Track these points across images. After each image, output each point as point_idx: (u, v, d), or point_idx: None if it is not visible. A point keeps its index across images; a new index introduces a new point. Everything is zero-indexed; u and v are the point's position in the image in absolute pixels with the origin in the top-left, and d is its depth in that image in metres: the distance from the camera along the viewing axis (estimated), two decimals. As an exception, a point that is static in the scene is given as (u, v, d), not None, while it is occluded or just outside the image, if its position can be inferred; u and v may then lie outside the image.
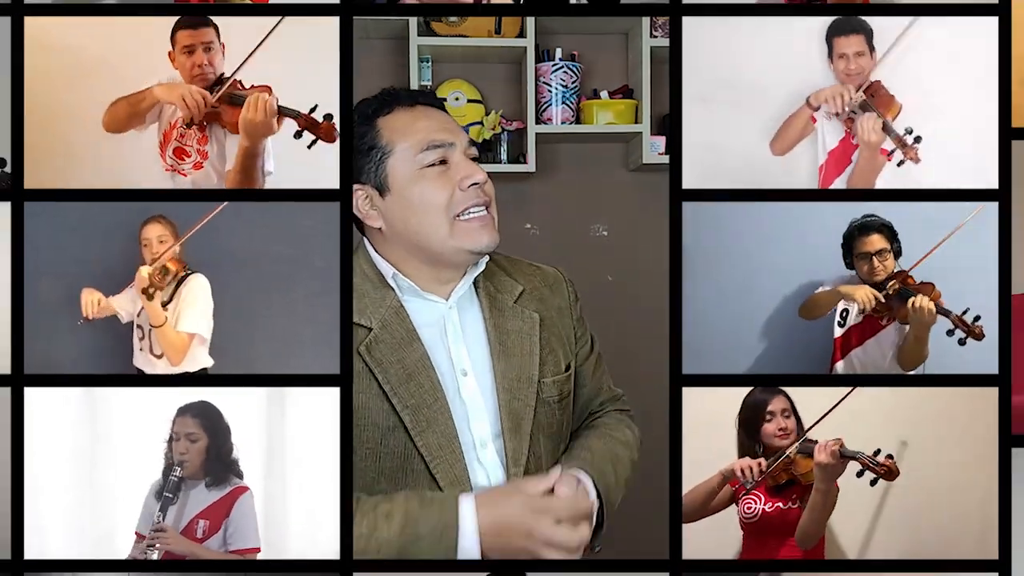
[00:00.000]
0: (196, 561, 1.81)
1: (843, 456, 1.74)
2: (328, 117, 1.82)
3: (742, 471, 1.80)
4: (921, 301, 1.87)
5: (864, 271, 1.94)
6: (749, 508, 1.84)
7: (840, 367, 1.99)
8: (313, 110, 1.83)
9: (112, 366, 1.99)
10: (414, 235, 1.60)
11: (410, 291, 1.63)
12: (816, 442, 1.76)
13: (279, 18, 1.81)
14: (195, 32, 1.88)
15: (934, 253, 1.90)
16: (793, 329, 2.00)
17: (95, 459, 1.86)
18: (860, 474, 1.75)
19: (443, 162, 1.60)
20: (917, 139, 1.90)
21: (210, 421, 1.81)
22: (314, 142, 1.82)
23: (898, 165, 1.91)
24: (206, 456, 1.81)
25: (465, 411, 1.60)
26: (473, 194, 1.58)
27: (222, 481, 1.81)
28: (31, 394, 1.84)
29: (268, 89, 1.85)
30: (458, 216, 1.58)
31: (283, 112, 1.83)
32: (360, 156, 1.63)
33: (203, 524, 1.80)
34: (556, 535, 1.45)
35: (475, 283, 1.68)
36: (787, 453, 1.79)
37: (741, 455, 1.84)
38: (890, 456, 1.75)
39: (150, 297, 1.92)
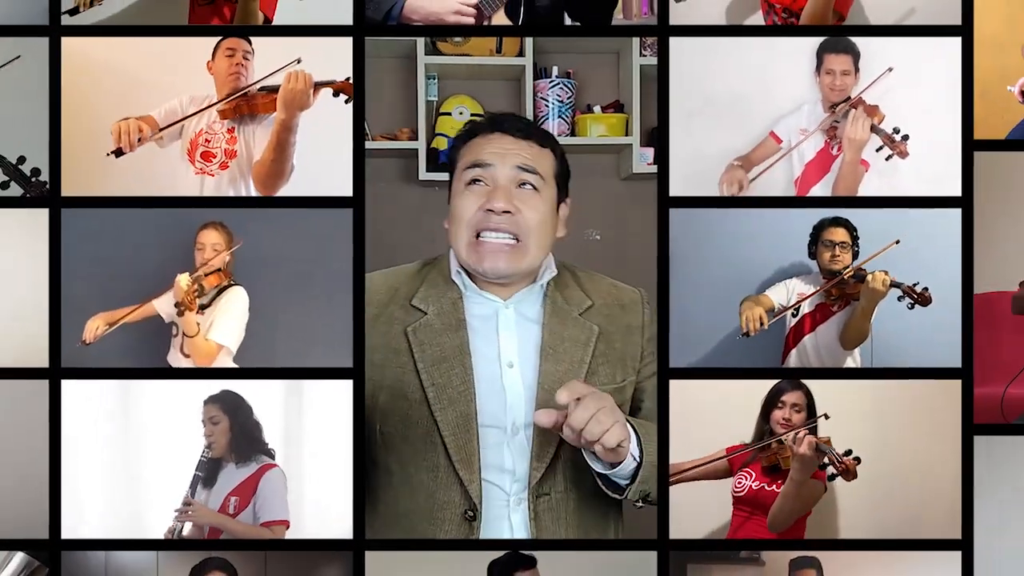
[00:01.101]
0: (218, 540, 1.82)
1: (818, 450, 1.75)
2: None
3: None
4: (877, 274, 1.89)
5: (825, 258, 1.95)
6: (740, 483, 1.85)
7: (793, 355, 2.00)
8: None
9: (151, 360, 1.99)
10: (454, 247, 1.64)
11: (471, 288, 1.65)
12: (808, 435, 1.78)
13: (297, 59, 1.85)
14: (239, 41, 1.92)
15: (903, 257, 1.90)
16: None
17: (127, 446, 1.86)
18: (823, 467, 1.77)
19: (483, 183, 1.61)
20: (905, 137, 1.90)
21: (229, 404, 1.83)
22: (348, 99, 1.86)
23: (886, 159, 1.91)
24: (231, 436, 1.83)
25: (505, 398, 1.61)
26: (495, 218, 1.58)
27: (249, 459, 1.83)
28: (67, 386, 1.84)
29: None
30: (478, 235, 1.59)
31: (317, 85, 1.85)
32: (449, 172, 1.70)
33: (234, 501, 1.82)
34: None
35: (545, 291, 1.68)
36: (781, 439, 1.80)
37: (756, 436, 1.86)
38: (857, 459, 1.75)
39: (180, 313, 1.92)
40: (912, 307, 1.89)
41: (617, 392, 1.67)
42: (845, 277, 1.93)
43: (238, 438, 1.83)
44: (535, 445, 1.59)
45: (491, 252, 1.59)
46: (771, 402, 1.85)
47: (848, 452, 1.76)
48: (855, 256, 1.94)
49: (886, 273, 1.89)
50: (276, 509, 1.81)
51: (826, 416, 1.81)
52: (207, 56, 1.95)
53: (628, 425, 1.49)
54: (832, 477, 1.77)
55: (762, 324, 1.91)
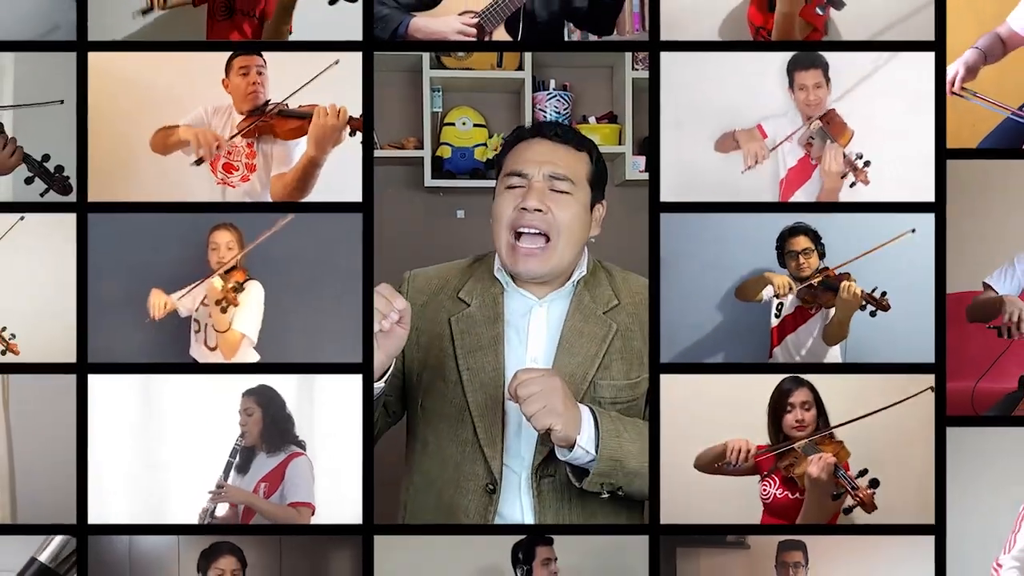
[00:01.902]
0: (233, 526, 1.82)
1: (835, 475, 1.66)
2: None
3: (732, 451, 1.74)
4: (851, 287, 1.86)
5: (792, 267, 1.93)
6: (765, 490, 1.80)
7: (778, 351, 1.98)
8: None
9: (171, 355, 1.98)
10: (495, 243, 1.67)
11: (510, 285, 1.70)
12: (821, 450, 1.69)
13: (335, 60, 1.82)
14: (250, 57, 1.89)
15: (882, 259, 1.88)
16: (744, 319, 1.98)
17: (150, 437, 1.86)
18: (837, 496, 1.67)
19: (520, 186, 1.64)
20: (867, 163, 1.89)
21: (263, 398, 1.84)
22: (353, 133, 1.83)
23: (851, 186, 1.90)
24: (263, 426, 1.83)
25: None
26: (530, 217, 1.61)
27: (278, 449, 1.84)
28: (94, 380, 1.84)
29: (314, 107, 1.84)
30: (516, 236, 1.63)
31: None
32: (494, 171, 1.75)
33: (263, 487, 1.83)
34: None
35: (576, 288, 1.71)
36: (794, 446, 1.72)
37: (772, 439, 1.78)
38: (874, 483, 1.65)
39: (224, 310, 1.91)
40: (874, 314, 1.86)
41: (629, 388, 1.70)
42: (815, 284, 1.90)
43: (270, 429, 1.83)
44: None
45: (524, 256, 1.63)
46: (779, 405, 1.77)
47: (863, 472, 1.67)
48: (821, 257, 1.92)
49: (854, 282, 1.87)
50: (302, 493, 1.82)
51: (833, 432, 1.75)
52: (223, 68, 1.93)
53: (588, 419, 1.54)
54: (849, 510, 1.68)
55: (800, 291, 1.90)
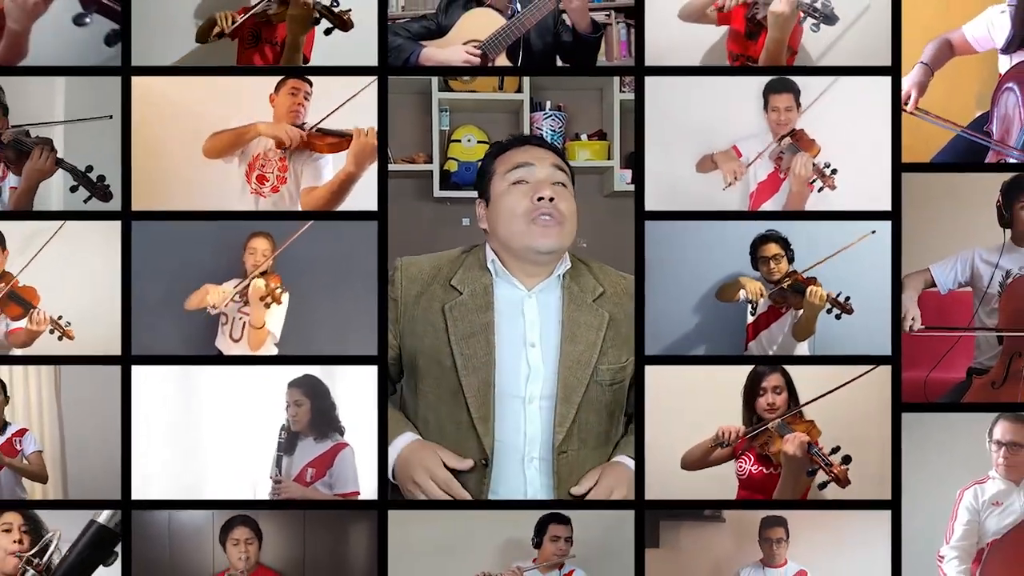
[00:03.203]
0: (257, 500, 1.83)
1: (809, 452, 1.67)
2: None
3: (722, 433, 1.75)
4: (818, 292, 1.86)
5: (764, 271, 1.92)
6: (741, 467, 1.80)
7: (752, 345, 1.98)
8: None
9: (199, 348, 1.97)
10: (503, 237, 1.66)
11: (502, 276, 1.69)
12: (794, 430, 1.70)
13: (372, 79, 1.83)
14: (302, 83, 1.90)
15: (844, 263, 1.88)
16: (721, 316, 1.98)
17: (186, 421, 1.87)
18: (812, 473, 1.68)
19: (526, 182, 1.65)
20: (833, 171, 1.89)
21: (310, 388, 1.83)
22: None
23: (819, 191, 1.91)
24: (311, 416, 1.83)
25: (528, 373, 1.64)
26: (543, 206, 1.62)
27: (325, 436, 1.83)
28: (136, 371, 1.84)
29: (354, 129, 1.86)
30: (532, 221, 1.62)
31: None
32: (480, 179, 1.73)
33: (311, 471, 1.82)
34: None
35: (562, 281, 1.70)
36: (767, 427, 1.73)
37: (744, 421, 1.79)
38: (847, 459, 1.66)
39: (267, 306, 1.89)
40: (839, 317, 1.86)
41: (621, 370, 1.71)
42: (785, 287, 1.89)
43: (317, 417, 1.83)
44: (557, 414, 1.63)
45: (540, 232, 1.63)
46: (752, 389, 1.78)
47: (835, 449, 1.67)
48: (791, 262, 1.91)
49: (820, 287, 1.86)
50: (349, 482, 1.82)
51: (802, 408, 1.76)
52: (255, 90, 1.92)
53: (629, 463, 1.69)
54: (823, 485, 1.69)
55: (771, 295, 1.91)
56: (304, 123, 1.90)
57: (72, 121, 1.86)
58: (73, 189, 1.84)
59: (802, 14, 1.83)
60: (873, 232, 1.83)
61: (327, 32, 1.85)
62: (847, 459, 1.68)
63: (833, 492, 1.73)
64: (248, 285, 1.90)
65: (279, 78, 1.90)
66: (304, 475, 1.81)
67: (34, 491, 1.89)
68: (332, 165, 1.91)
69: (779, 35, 1.83)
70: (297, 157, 1.92)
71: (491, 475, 1.64)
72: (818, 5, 1.83)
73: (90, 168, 1.84)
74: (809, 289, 1.86)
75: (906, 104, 1.86)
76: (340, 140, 1.87)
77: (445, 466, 1.62)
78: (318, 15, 1.83)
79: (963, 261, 1.92)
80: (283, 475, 1.81)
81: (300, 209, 1.91)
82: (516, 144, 1.71)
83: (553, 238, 1.63)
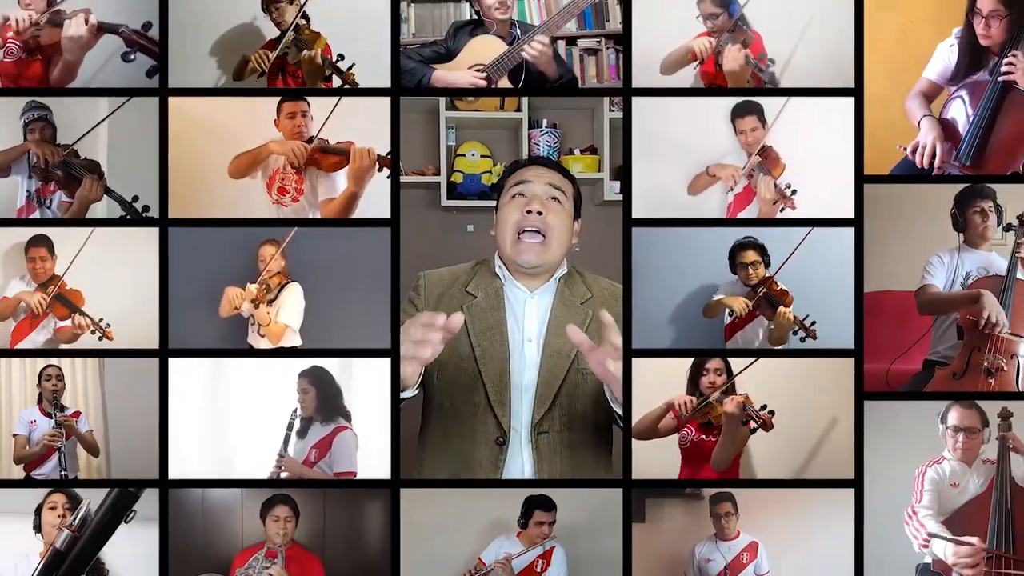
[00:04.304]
0: (286, 480, 1.83)
1: (744, 409, 1.76)
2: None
3: (680, 404, 1.81)
4: (787, 314, 1.86)
5: (742, 276, 1.91)
6: (684, 436, 1.84)
7: (729, 344, 1.97)
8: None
9: (233, 343, 1.96)
10: (500, 245, 1.73)
11: (508, 280, 1.74)
12: (733, 395, 1.78)
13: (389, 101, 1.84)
14: (296, 103, 1.90)
15: (813, 265, 1.89)
16: (700, 315, 1.96)
17: (217, 408, 1.88)
18: (745, 422, 1.77)
19: (523, 196, 1.70)
20: (793, 192, 1.89)
21: (317, 378, 1.84)
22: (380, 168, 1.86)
23: (780, 211, 1.90)
24: (317, 402, 1.84)
25: (524, 363, 1.70)
26: (531, 218, 1.68)
27: (329, 421, 1.84)
28: (173, 363, 1.86)
29: (352, 144, 1.86)
30: (519, 235, 1.67)
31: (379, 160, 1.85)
32: (496, 194, 1.79)
33: (314, 452, 1.83)
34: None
35: (558, 285, 1.76)
36: (709, 399, 1.81)
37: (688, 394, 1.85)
38: (771, 412, 1.76)
39: (256, 306, 1.90)
40: (803, 340, 1.86)
41: None
42: (761, 296, 1.89)
43: (323, 403, 1.84)
44: (537, 396, 1.67)
45: (526, 248, 1.69)
46: (697, 371, 1.84)
47: (764, 407, 1.77)
48: (767, 267, 1.90)
49: (790, 308, 1.86)
50: (345, 463, 1.83)
51: (734, 380, 1.81)
52: (272, 110, 1.93)
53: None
54: (754, 430, 1.77)
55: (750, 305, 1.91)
56: (311, 137, 1.91)
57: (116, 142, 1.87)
58: (121, 218, 1.85)
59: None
60: (811, 230, 1.85)
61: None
62: (772, 412, 1.77)
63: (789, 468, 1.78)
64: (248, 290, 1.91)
65: (279, 102, 1.91)
66: (309, 456, 1.83)
67: (88, 468, 1.92)
68: (344, 178, 1.92)
69: (731, 67, 1.85)
70: (311, 172, 1.93)
71: (507, 451, 1.68)
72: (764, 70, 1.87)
73: (136, 198, 1.86)
74: (780, 311, 1.86)
75: (932, 161, 1.85)
76: (341, 158, 1.88)
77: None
78: (328, 71, 1.87)
79: (930, 265, 1.92)
80: (289, 454, 1.82)
81: (317, 216, 1.93)
82: (526, 164, 1.78)
83: (534, 255, 1.69)
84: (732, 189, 1.93)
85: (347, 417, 1.84)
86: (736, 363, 1.84)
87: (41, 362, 1.90)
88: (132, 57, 1.81)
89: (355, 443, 1.83)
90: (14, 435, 1.89)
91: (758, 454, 1.87)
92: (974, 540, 1.70)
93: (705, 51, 1.89)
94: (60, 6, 1.83)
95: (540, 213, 1.68)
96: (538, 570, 1.78)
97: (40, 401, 1.89)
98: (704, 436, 1.83)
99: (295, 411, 1.84)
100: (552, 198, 1.72)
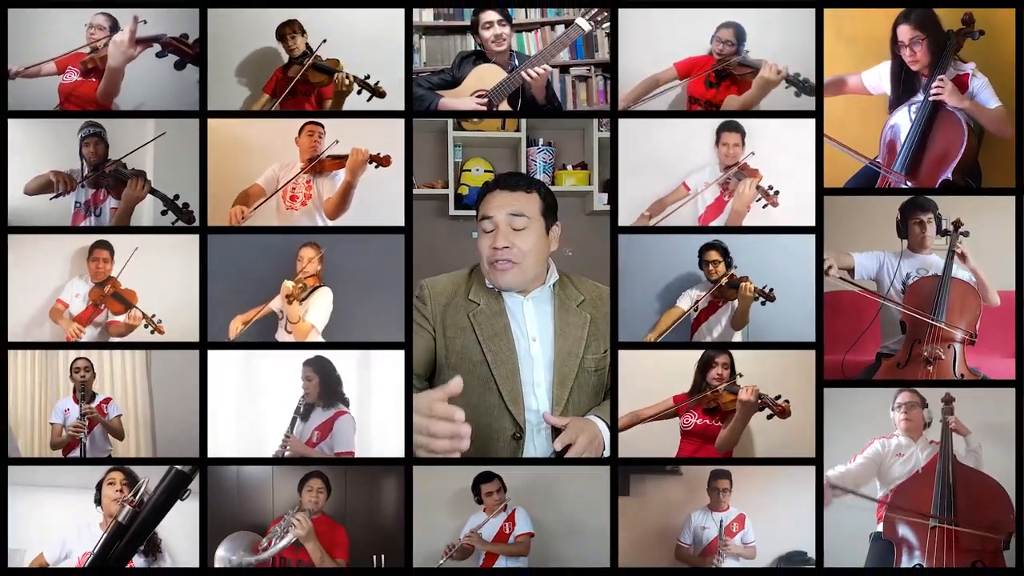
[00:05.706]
0: (313, 459, 1.84)
1: (759, 398, 1.76)
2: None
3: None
4: (748, 286, 1.87)
5: (707, 271, 1.92)
6: (687, 421, 1.85)
7: (696, 335, 1.98)
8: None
9: (263, 336, 1.97)
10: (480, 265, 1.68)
11: (500, 290, 1.69)
12: (740, 386, 1.79)
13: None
14: (316, 126, 1.93)
15: (780, 268, 1.90)
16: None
17: (251, 395, 1.89)
18: (762, 408, 1.77)
19: (487, 231, 1.65)
20: (776, 192, 1.91)
21: (319, 367, 1.84)
22: (377, 165, 1.88)
23: (763, 207, 1.92)
24: (320, 389, 1.83)
25: (532, 362, 1.66)
26: (499, 253, 1.63)
27: (330, 406, 1.84)
28: (212, 355, 1.87)
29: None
30: (494, 264, 1.64)
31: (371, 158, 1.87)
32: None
33: (316, 434, 1.83)
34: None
35: (554, 289, 1.71)
36: (717, 389, 1.82)
37: (694, 388, 1.85)
38: (787, 401, 1.76)
39: (289, 302, 1.89)
40: (764, 304, 1.87)
41: (601, 359, 1.73)
42: (723, 284, 1.90)
43: (325, 389, 1.83)
44: (554, 396, 1.65)
45: (500, 273, 1.65)
46: (706, 364, 1.85)
47: (779, 396, 1.77)
48: (728, 266, 1.91)
49: (750, 282, 1.88)
50: (344, 443, 1.83)
51: (740, 375, 1.83)
52: (294, 131, 1.95)
53: (602, 426, 1.62)
54: (770, 417, 1.77)
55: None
56: (322, 152, 1.93)
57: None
58: (163, 213, 1.87)
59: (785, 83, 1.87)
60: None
61: (368, 99, 1.90)
62: (787, 401, 1.77)
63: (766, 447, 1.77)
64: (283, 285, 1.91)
65: (303, 123, 1.94)
66: (312, 437, 1.83)
67: (116, 449, 1.92)
68: (340, 179, 1.93)
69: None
70: (317, 179, 1.95)
71: (524, 445, 1.65)
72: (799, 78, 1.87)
73: (177, 196, 1.87)
74: (742, 284, 1.88)
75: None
76: (343, 159, 1.90)
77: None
78: (358, 88, 1.89)
79: (876, 259, 1.94)
80: (293, 434, 1.82)
81: (324, 214, 1.94)
82: (491, 189, 1.69)
83: (509, 279, 1.65)
84: (699, 192, 1.94)
85: (346, 403, 1.84)
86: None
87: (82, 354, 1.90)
88: (164, 55, 1.84)
89: (353, 426, 1.83)
90: (51, 423, 1.90)
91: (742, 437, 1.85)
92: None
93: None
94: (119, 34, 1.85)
95: (507, 247, 1.62)
96: (507, 532, 1.80)
97: (74, 392, 1.90)
98: (708, 420, 1.84)
99: (302, 397, 1.83)
100: (514, 228, 1.64)
